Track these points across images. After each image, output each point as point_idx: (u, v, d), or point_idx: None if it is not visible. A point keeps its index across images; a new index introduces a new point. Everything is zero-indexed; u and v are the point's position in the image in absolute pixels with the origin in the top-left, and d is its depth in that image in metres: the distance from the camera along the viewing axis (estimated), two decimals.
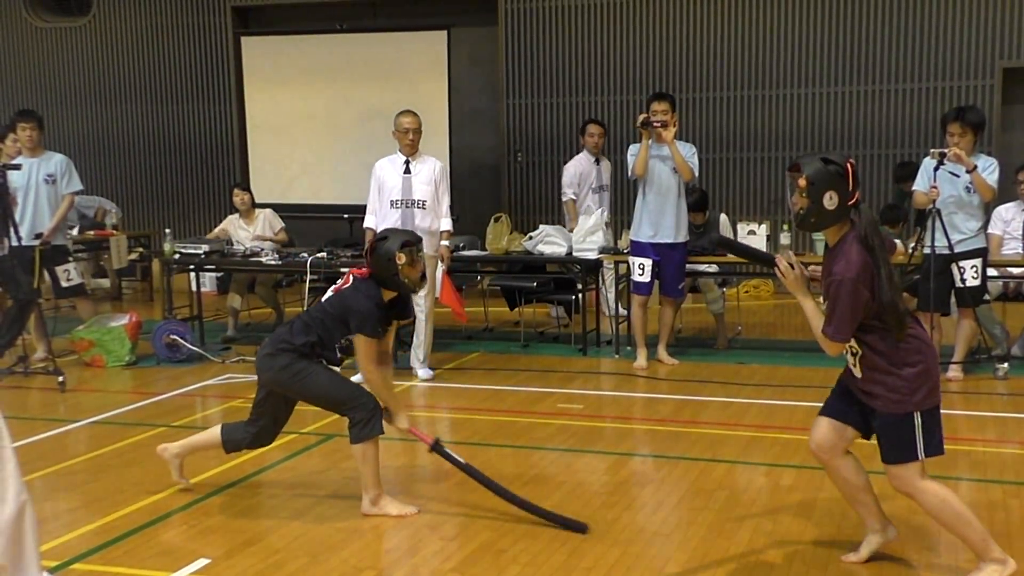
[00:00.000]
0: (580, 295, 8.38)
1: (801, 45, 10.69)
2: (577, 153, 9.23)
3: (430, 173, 7.18)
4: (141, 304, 10.90)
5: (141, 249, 11.24)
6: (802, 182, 3.51)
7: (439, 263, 7.36)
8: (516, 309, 8.92)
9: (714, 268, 8.10)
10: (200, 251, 8.39)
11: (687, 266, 7.67)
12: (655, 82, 10.91)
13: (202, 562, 3.98)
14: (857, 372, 3.59)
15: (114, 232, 10.66)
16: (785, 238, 7.75)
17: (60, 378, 7.09)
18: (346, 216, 10.67)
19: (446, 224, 7.29)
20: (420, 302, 7.16)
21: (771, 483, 4.93)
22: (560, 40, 11.46)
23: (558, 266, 8.74)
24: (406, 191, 7.13)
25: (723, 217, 8.22)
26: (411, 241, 4.46)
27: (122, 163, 12.56)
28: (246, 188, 9.15)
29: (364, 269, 4.55)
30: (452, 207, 10.51)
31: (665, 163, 7.39)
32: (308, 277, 7.91)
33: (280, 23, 12.30)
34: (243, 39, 11.45)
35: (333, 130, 11.11)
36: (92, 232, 10.68)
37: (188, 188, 12.72)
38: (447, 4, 11.70)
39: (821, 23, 10.61)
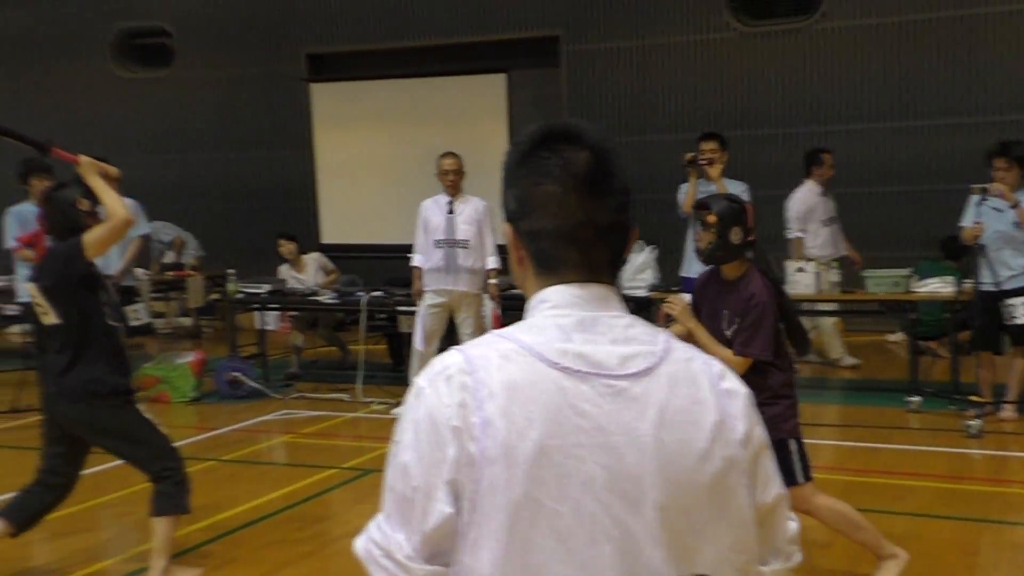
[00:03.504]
0: None
1: (859, 81, 10.56)
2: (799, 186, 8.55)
3: (473, 213, 7.34)
4: (217, 342, 11.26)
5: (220, 290, 11.65)
6: (711, 219, 3.83)
7: (489, 301, 7.47)
8: None
9: None
10: (261, 290, 8.70)
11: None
12: (718, 120, 10.88)
13: None
14: None
15: (192, 273, 11.08)
16: (835, 275, 7.66)
17: None
18: (409, 255, 10.89)
19: (492, 263, 7.39)
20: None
21: None
22: (624, 80, 11.54)
23: None
24: (449, 231, 7.30)
25: None
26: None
27: (200, 208, 12.97)
28: (291, 237, 9.39)
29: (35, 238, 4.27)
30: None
31: None
32: (363, 316, 8.12)
33: (350, 70, 12.68)
34: (312, 86, 11.86)
35: (397, 172, 11.38)
36: (171, 273, 11.13)
37: (263, 232, 13.12)
38: (508, 48, 11.91)
39: (886, 58, 10.48)
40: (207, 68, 13.36)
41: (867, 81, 10.54)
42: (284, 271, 9.46)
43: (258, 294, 8.71)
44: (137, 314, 8.31)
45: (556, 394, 1.23)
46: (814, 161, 8.34)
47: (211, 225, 12.85)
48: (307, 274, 9.33)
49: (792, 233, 8.30)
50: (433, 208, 7.43)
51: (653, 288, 8.12)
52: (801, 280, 7.54)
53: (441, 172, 7.39)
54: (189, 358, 8.31)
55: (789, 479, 3.77)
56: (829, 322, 8.74)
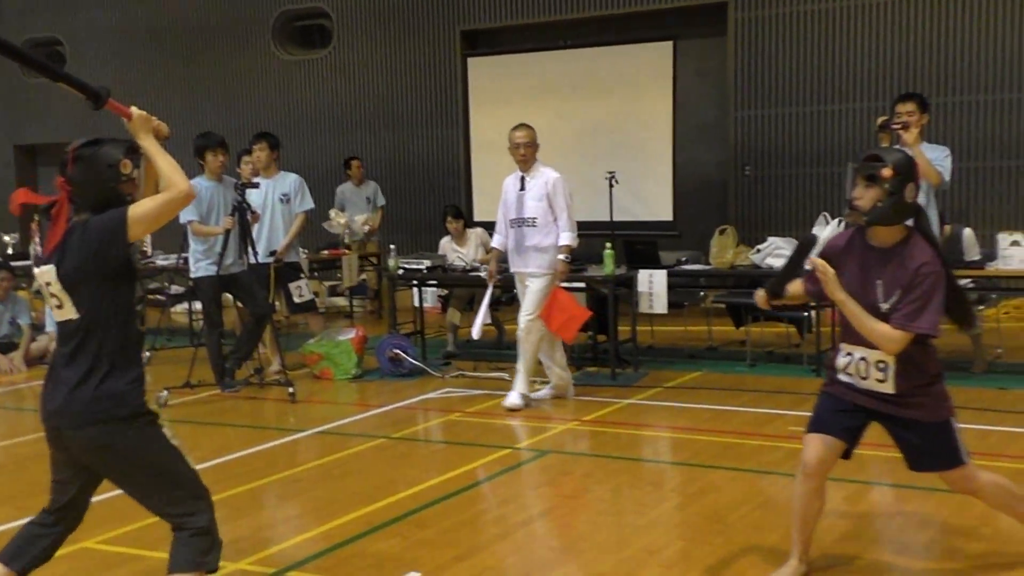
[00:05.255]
0: (814, 312, 7.81)
1: None
2: None
3: (541, 188, 6.78)
4: (370, 322, 11.18)
5: (373, 268, 11.59)
6: (887, 172, 3.42)
7: (548, 281, 6.77)
8: (743, 328, 8.45)
9: (969, 284, 7.34)
10: (422, 266, 8.49)
11: None
12: (897, 87, 10.14)
13: (413, 575, 3.88)
14: (889, 388, 3.50)
15: (346, 252, 10.99)
16: None
17: (290, 389, 7.30)
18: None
19: (565, 238, 6.70)
20: (522, 322, 6.78)
21: None
22: (794, 48, 10.92)
23: None
24: (519, 209, 6.83)
25: (967, 232, 7.43)
26: (136, 147, 3.25)
27: None
28: (459, 215, 9.31)
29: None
30: (675, 223, 10.23)
31: None
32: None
33: (507, 44, 12.40)
34: (469, 60, 11.60)
35: (554, 147, 10.92)
36: (326, 252, 11.07)
37: (417, 209, 13.03)
38: (673, 16, 11.42)
39: None
40: (365, 48, 13.34)
41: None
42: (445, 244, 9.28)
43: (419, 270, 8.50)
44: (300, 291, 8.22)
45: None
46: None
47: None
48: (468, 248, 9.12)
49: None
50: (510, 186, 6.99)
51: None
52: (1016, 255, 6.83)
53: (512, 145, 6.92)
54: (351, 335, 8.17)
55: (956, 459, 3.56)
56: None
